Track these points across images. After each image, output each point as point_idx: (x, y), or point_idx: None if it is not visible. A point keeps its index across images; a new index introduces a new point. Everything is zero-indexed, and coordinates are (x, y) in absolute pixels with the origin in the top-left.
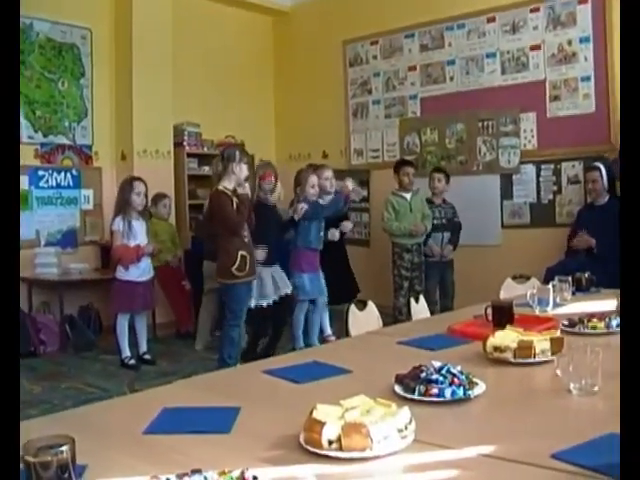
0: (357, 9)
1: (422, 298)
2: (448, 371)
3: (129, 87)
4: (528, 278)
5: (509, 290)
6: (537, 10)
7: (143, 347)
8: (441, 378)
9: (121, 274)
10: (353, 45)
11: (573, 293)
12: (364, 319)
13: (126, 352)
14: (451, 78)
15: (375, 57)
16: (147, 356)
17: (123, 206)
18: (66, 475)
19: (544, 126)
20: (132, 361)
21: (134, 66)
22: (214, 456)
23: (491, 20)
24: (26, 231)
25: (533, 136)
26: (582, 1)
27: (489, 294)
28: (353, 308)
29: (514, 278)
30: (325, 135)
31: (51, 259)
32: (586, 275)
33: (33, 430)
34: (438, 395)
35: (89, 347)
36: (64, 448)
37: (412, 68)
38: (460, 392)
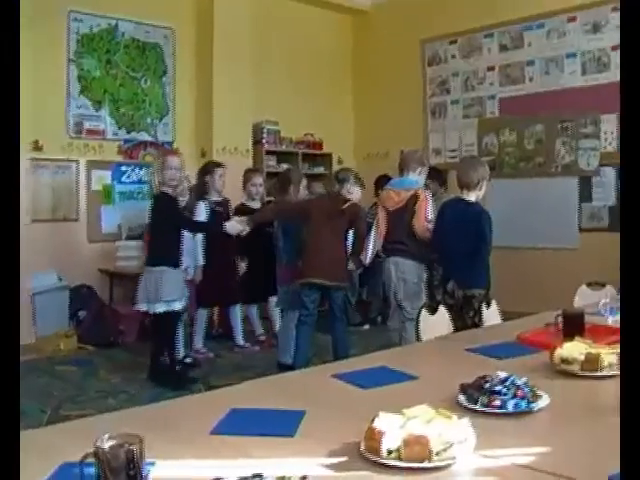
0: (436, 8)
1: (494, 303)
2: (513, 383)
3: (210, 85)
4: (603, 285)
5: (584, 297)
6: (619, 9)
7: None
8: (505, 390)
9: None
10: (432, 44)
11: None
12: (435, 324)
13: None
14: (530, 79)
15: (454, 56)
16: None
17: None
18: (135, 472)
19: None
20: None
21: (215, 65)
22: (277, 460)
23: (572, 20)
24: (109, 225)
25: (614, 138)
26: None
27: (564, 299)
28: (424, 313)
29: (589, 285)
30: (403, 134)
31: (132, 252)
32: None
33: (109, 424)
34: (500, 407)
35: None
36: (134, 447)
37: (491, 68)
38: (523, 405)
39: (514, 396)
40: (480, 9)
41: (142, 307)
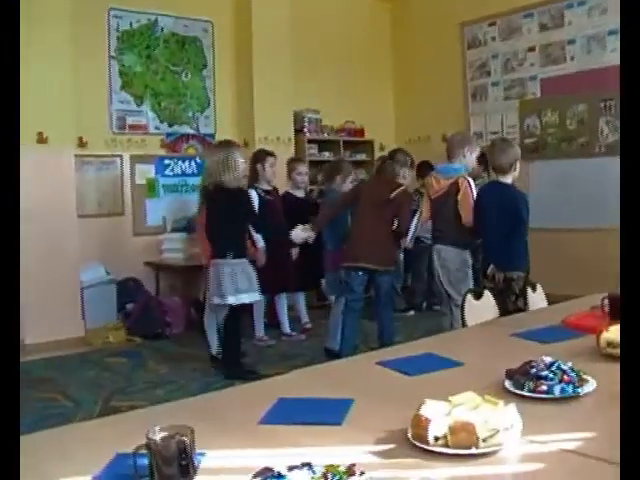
0: None
1: (539, 287)
2: (559, 367)
3: (250, 76)
4: None
5: None
6: None
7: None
8: (551, 375)
9: None
10: (471, 27)
11: None
12: (480, 308)
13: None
14: (572, 58)
15: (493, 39)
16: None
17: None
18: (186, 462)
19: None
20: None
21: (254, 55)
22: (325, 448)
23: None
24: (153, 218)
25: None
26: None
27: (610, 280)
28: (469, 297)
29: None
30: (444, 118)
31: (177, 245)
32: None
33: (159, 416)
34: (547, 392)
35: None
36: (185, 437)
37: (531, 49)
38: (569, 389)
39: (560, 381)
40: None
41: (229, 300)
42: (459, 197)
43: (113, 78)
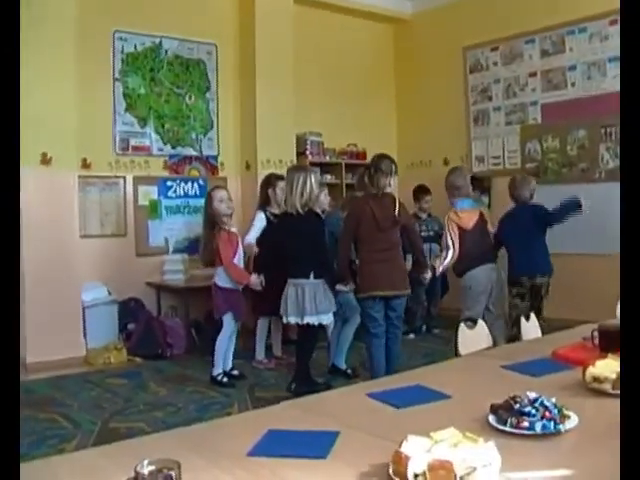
0: (477, 15)
1: (533, 316)
2: (541, 403)
3: (253, 99)
4: None
5: None
6: None
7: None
8: (533, 411)
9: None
10: (473, 52)
11: None
12: (474, 338)
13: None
14: (572, 84)
15: (495, 64)
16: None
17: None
18: None
19: None
20: (235, 371)
21: (257, 78)
22: None
23: (614, 22)
24: (156, 239)
25: None
26: None
27: (610, 306)
28: (462, 327)
29: None
30: (446, 142)
31: (178, 266)
32: None
33: (150, 446)
34: (529, 428)
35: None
36: (172, 472)
37: (532, 74)
38: (551, 426)
39: (542, 417)
40: (521, 15)
41: (292, 319)
42: (490, 228)
43: (117, 100)
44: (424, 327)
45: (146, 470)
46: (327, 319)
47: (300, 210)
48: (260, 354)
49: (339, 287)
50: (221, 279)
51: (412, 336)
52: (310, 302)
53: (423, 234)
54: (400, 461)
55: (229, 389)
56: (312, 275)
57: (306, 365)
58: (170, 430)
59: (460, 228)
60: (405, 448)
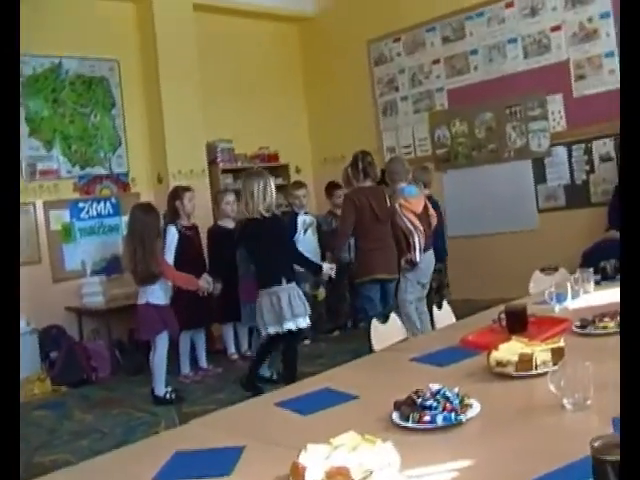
0: (378, 8)
1: (445, 304)
2: (443, 395)
3: (159, 112)
4: (556, 269)
5: (538, 283)
6: None
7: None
8: (435, 404)
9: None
10: (377, 44)
11: (598, 282)
12: (387, 332)
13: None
14: (475, 67)
15: (399, 54)
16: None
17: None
18: None
19: (572, 106)
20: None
21: (163, 90)
22: None
23: (510, 5)
24: (72, 263)
25: (562, 117)
26: None
27: (525, 284)
28: (375, 323)
29: (542, 270)
30: (357, 136)
31: (97, 288)
32: (611, 263)
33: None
34: (430, 422)
35: (140, 370)
36: None
37: (436, 61)
38: (452, 418)
39: (443, 409)
40: (420, 4)
41: (272, 329)
42: (430, 211)
43: (20, 125)
44: (349, 322)
45: None
46: (304, 322)
47: (265, 214)
48: (185, 368)
49: (326, 268)
50: (155, 296)
51: (337, 333)
52: (287, 307)
53: None
54: (297, 472)
55: (157, 408)
56: (284, 280)
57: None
58: (87, 460)
59: (412, 212)
60: (303, 458)
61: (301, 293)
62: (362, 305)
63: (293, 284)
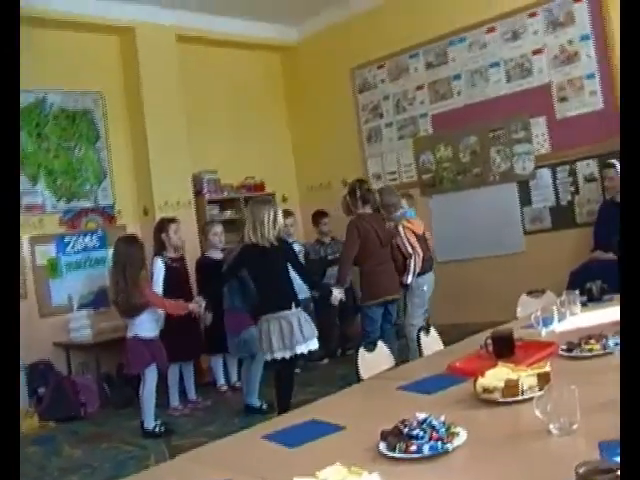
0: (361, 36)
1: (433, 329)
2: (429, 424)
3: (144, 143)
4: (543, 292)
5: (525, 306)
6: (535, 15)
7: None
8: (421, 433)
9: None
10: (361, 71)
11: (585, 304)
12: (375, 360)
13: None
14: (458, 92)
15: (383, 81)
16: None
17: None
18: None
19: (555, 128)
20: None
21: (147, 123)
22: None
23: (491, 30)
24: (58, 298)
25: (545, 140)
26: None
27: (512, 307)
28: (362, 351)
29: (529, 293)
30: (342, 163)
31: (84, 322)
32: (597, 284)
33: None
34: (417, 452)
35: (129, 403)
36: None
37: (420, 87)
38: (438, 447)
39: (430, 438)
40: (403, 31)
41: (280, 354)
42: (427, 234)
43: None
44: (339, 351)
45: None
46: (314, 344)
47: (274, 242)
48: (174, 401)
49: (335, 293)
50: (143, 328)
51: (326, 361)
52: (298, 331)
53: (330, 257)
54: None
55: (146, 441)
56: (293, 304)
57: (288, 399)
58: None
59: (414, 234)
60: None
61: (307, 316)
62: (364, 327)
63: (300, 308)
